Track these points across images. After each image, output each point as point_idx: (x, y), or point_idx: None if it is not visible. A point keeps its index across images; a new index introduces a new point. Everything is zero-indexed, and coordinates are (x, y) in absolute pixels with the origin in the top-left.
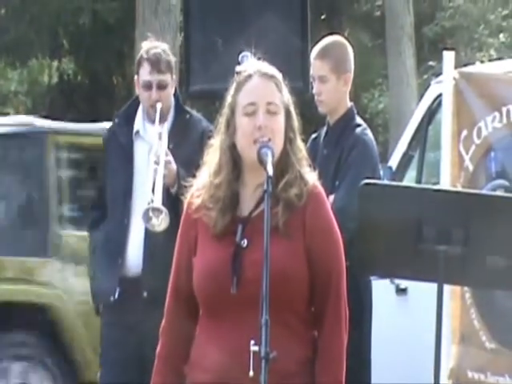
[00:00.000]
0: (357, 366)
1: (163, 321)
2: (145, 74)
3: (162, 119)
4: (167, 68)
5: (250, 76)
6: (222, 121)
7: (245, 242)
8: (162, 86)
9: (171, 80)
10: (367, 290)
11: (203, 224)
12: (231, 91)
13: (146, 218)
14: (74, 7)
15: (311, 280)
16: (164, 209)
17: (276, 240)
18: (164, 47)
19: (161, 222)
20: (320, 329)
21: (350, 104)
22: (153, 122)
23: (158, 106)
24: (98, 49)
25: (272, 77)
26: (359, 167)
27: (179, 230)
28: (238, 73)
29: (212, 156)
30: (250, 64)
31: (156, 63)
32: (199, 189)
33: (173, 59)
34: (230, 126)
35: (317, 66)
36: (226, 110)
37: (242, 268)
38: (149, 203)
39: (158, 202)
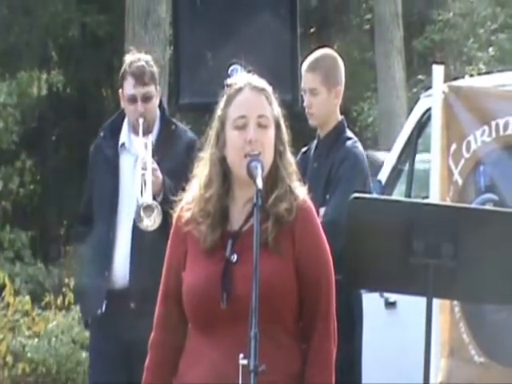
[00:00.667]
0: (347, 379)
1: (152, 333)
2: (129, 87)
3: (148, 131)
4: (151, 80)
5: (240, 89)
6: (211, 134)
7: (234, 257)
8: (146, 99)
9: (156, 91)
10: (358, 304)
11: (193, 238)
12: (221, 104)
13: (138, 218)
14: (63, 19)
15: (300, 294)
16: (155, 203)
17: (266, 255)
18: (147, 58)
19: (154, 220)
20: (309, 342)
21: (340, 117)
22: (138, 134)
23: (140, 121)
24: (87, 61)
25: (262, 90)
26: (350, 180)
27: (168, 244)
28: (228, 85)
29: (202, 169)
30: (241, 77)
31: (140, 76)
32: (189, 202)
33: (156, 70)
34: (220, 139)
35: (308, 79)
36: (215, 123)
37: (231, 283)
38: (139, 203)
39: (147, 198)
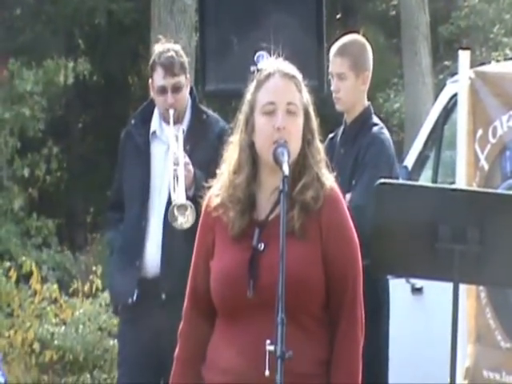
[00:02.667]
0: (374, 366)
1: (181, 323)
2: (159, 78)
3: (178, 121)
4: (181, 70)
5: (270, 75)
6: (241, 118)
7: (261, 246)
8: (176, 89)
9: (185, 81)
10: (385, 290)
11: (221, 225)
12: (251, 89)
13: (172, 217)
14: (89, 7)
15: (327, 283)
16: (188, 203)
17: (292, 243)
18: (177, 48)
19: (187, 219)
20: (336, 331)
21: (367, 103)
22: (169, 123)
23: (171, 112)
24: (113, 49)
25: (293, 77)
26: (376, 166)
27: (198, 232)
28: (258, 70)
29: (231, 154)
30: (271, 62)
31: (169, 67)
32: (218, 188)
33: (186, 59)
34: (249, 123)
35: (336, 63)
36: (245, 108)
37: (258, 272)
38: (173, 202)
39: (181, 198)
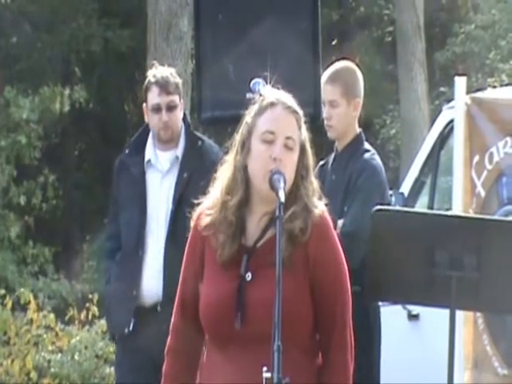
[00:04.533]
0: None
1: (168, 340)
2: (153, 97)
3: (171, 140)
4: (175, 90)
5: (273, 104)
6: (237, 139)
7: (249, 276)
8: (171, 108)
9: (180, 102)
10: (376, 316)
11: (210, 247)
12: (251, 112)
13: None
14: (85, 35)
15: (316, 312)
16: None
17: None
18: (171, 70)
19: None
20: (325, 358)
21: (358, 130)
22: (163, 149)
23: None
24: (109, 76)
25: (295, 112)
26: (368, 192)
27: (187, 247)
28: (260, 95)
29: (225, 173)
30: (273, 91)
31: (164, 85)
32: (209, 207)
33: (180, 81)
34: (245, 146)
35: (327, 91)
36: (243, 130)
37: (245, 304)
38: None
39: None
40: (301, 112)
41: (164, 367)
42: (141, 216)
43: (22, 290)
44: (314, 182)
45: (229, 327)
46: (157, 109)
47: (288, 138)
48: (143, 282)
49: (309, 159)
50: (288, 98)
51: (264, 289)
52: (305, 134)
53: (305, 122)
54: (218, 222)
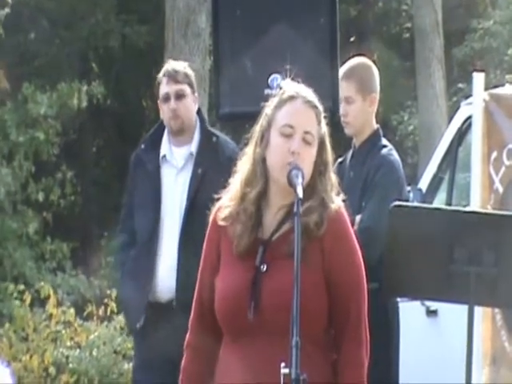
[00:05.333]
0: None
1: (188, 334)
2: (163, 87)
3: (181, 131)
4: (184, 79)
5: (293, 98)
6: (257, 131)
7: (264, 267)
8: (179, 96)
9: (190, 93)
10: (394, 313)
11: (227, 238)
12: (271, 104)
13: None
14: (103, 31)
15: (330, 308)
16: None
17: (293, 266)
18: (184, 64)
19: None
20: (340, 353)
21: (376, 126)
22: (178, 144)
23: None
24: (127, 72)
25: (315, 107)
26: (385, 188)
27: (205, 243)
28: (280, 88)
29: (244, 165)
30: (294, 85)
31: (173, 75)
32: (230, 199)
33: (192, 74)
34: (264, 138)
35: (342, 87)
36: (262, 121)
37: (260, 295)
38: None
39: None
40: (320, 107)
41: (183, 362)
42: (155, 212)
43: (42, 283)
44: (333, 178)
45: (243, 317)
46: (166, 98)
47: (307, 132)
48: (157, 278)
49: (328, 155)
50: (308, 92)
51: (278, 280)
52: (324, 129)
53: (324, 117)
54: (236, 214)
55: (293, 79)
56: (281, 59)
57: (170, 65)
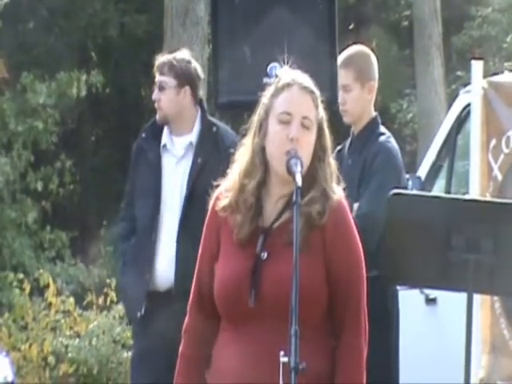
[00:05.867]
0: (384, 375)
1: (186, 319)
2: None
3: (164, 122)
4: (169, 70)
5: (289, 85)
6: (255, 120)
7: (265, 255)
8: (161, 88)
9: (175, 85)
10: (394, 300)
11: (227, 227)
12: (268, 93)
13: None
14: (101, 20)
15: (330, 294)
16: None
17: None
18: (178, 56)
19: None
20: (339, 340)
21: (374, 113)
22: (178, 134)
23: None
24: (126, 61)
25: (311, 92)
26: (383, 175)
27: (204, 231)
28: (276, 76)
29: (243, 155)
30: (290, 72)
31: (159, 66)
32: (227, 189)
33: (184, 68)
34: (263, 127)
35: (341, 76)
36: (260, 111)
37: (260, 282)
38: None
39: None
40: (317, 92)
41: (181, 347)
42: (155, 200)
43: (41, 271)
44: (332, 164)
45: (243, 304)
46: (155, 89)
47: (305, 117)
48: (156, 267)
49: (326, 140)
50: (304, 78)
51: (278, 267)
52: (322, 114)
53: (321, 101)
54: (236, 204)
55: (291, 67)
56: (280, 48)
57: (166, 56)
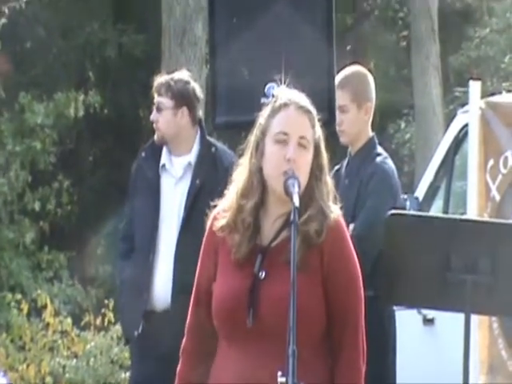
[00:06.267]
0: None
1: (184, 340)
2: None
3: (162, 142)
4: (166, 91)
5: (286, 105)
6: (252, 141)
7: (263, 274)
8: (159, 109)
9: (172, 106)
10: (391, 321)
11: (225, 247)
12: (265, 114)
13: None
14: (99, 40)
15: (328, 314)
16: None
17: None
18: (176, 77)
19: None
20: (337, 360)
21: (371, 134)
22: (177, 154)
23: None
24: (124, 81)
25: (307, 111)
26: (378, 196)
27: (201, 250)
28: (273, 96)
29: (240, 176)
30: (287, 92)
31: (157, 87)
32: (225, 210)
33: (181, 88)
34: (259, 148)
35: (338, 96)
36: (257, 131)
37: (258, 301)
38: None
39: None
40: (314, 111)
41: (178, 367)
42: (154, 221)
43: (39, 291)
44: (329, 183)
45: (241, 324)
46: (153, 109)
47: (302, 137)
48: (154, 287)
49: (323, 159)
50: (301, 98)
51: (277, 286)
52: (318, 133)
53: (318, 120)
54: (234, 224)
55: (288, 87)
56: (277, 68)
57: (164, 76)
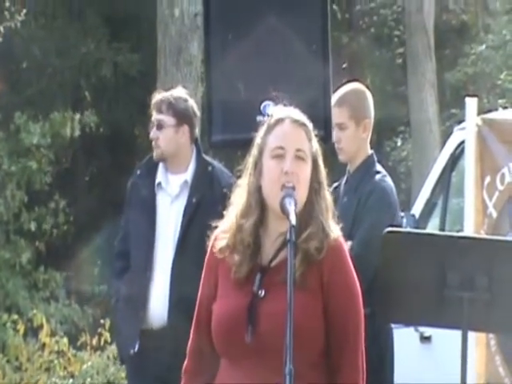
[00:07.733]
0: None
1: (186, 361)
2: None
3: (162, 159)
4: (167, 109)
5: (281, 120)
6: (250, 161)
7: (262, 293)
8: (160, 127)
9: (174, 124)
10: (388, 339)
11: (225, 266)
12: (261, 132)
13: None
14: (95, 59)
15: (327, 333)
16: None
17: (293, 292)
18: (176, 94)
19: None
20: (336, 378)
21: (370, 151)
22: (173, 172)
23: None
24: (119, 101)
25: (303, 125)
26: (376, 214)
27: (203, 271)
28: (268, 115)
29: (239, 197)
30: (281, 109)
31: (157, 104)
32: (225, 231)
33: (182, 106)
34: (257, 167)
35: (335, 114)
36: (254, 151)
37: (257, 319)
38: None
39: None
40: (310, 125)
41: None
42: (150, 239)
43: (35, 311)
44: (328, 198)
45: (239, 341)
46: (152, 127)
47: (298, 150)
48: (150, 305)
49: (321, 173)
50: (296, 113)
51: (276, 305)
52: (316, 147)
53: (315, 136)
54: (233, 244)
55: (284, 105)
56: (273, 86)
57: (163, 94)
